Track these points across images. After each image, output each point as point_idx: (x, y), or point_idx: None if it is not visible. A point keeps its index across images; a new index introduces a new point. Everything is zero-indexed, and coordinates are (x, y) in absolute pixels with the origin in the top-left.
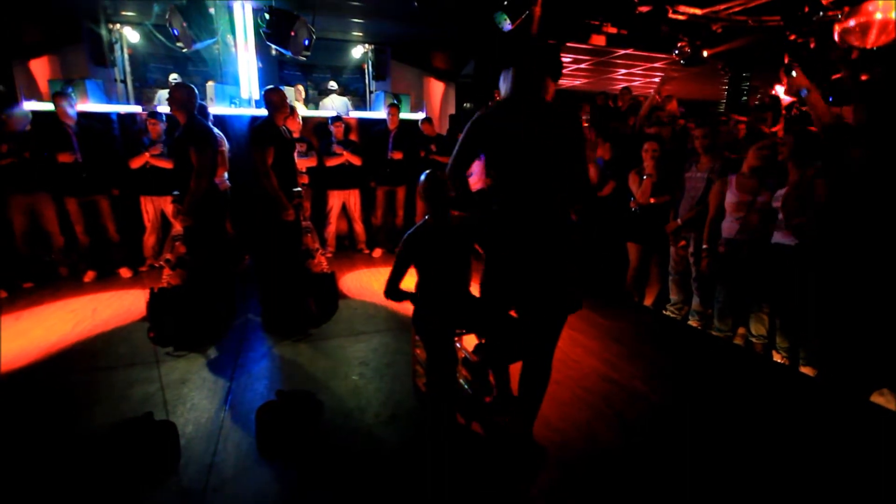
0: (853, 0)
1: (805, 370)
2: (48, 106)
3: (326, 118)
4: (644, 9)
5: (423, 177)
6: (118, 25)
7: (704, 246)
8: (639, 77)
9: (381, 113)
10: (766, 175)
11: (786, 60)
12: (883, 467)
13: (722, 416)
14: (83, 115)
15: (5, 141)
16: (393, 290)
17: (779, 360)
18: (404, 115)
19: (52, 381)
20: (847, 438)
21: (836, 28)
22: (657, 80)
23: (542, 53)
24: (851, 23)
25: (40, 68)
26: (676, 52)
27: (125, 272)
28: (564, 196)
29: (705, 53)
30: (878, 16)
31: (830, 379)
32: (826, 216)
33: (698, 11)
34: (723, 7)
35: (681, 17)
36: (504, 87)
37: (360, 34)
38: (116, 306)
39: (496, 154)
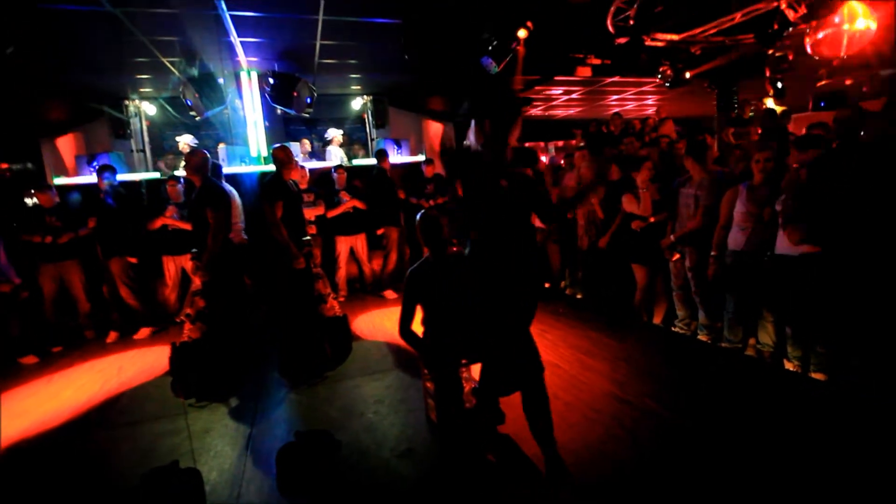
0: (818, 13)
1: (817, 376)
2: (75, 180)
3: (330, 168)
4: (622, 40)
5: (418, 217)
6: (136, 101)
7: (713, 253)
8: (630, 101)
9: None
10: (775, 186)
11: (767, 73)
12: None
13: (735, 428)
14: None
15: (49, 215)
16: (406, 331)
17: (790, 368)
18: (405, 159)
19: (82, 439)
20: (862, 441)
21: (807, 41)
22: (649, 102)
23: (503, 118)
24: (820, 35)
25: (66, 145)
26: (660, 76)
27: (145, 331)
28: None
29: (688, 75)
30: (846, 27)
31: (842, 383)
32: (809, 202)
33: (675, 37)
34: (699, 30)
35: (660, 44)
36: (471, 137)
37: (359, 87)
38: (141, 364)
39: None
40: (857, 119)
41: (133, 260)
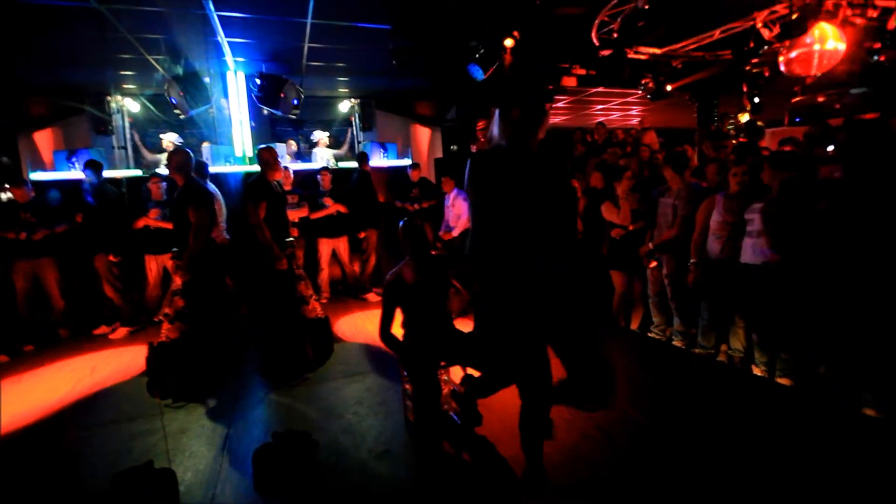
0: (791, 34)
1: (782, 381)
2: (53, 176)
3: (315, 170)
4: (605, 52)
5: (402, 224)
6: (119, 97)
7: (693, 260)
8: (615, 111)
9: (371, 162)
10: (750, 198)
11: (745, 89)
12: (864, 469)
13: (705, 431)
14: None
15: (24, 210)
16: (386, 335)
17: (758, 374)
18: (391, 163)
19: (53, 440)
20: (827, 444)
21: (781, 59)
22: (633, 112)
23: (533, 107)
24: (793, 54)
25: (44, 140)
26: (642, 88)
27: (122, 330)
28: (552, 239)
29: (669, 87)
30: (817, 47)
31: (807, 388)
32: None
33: (657, 51)
34: (679, 45)
35: (643, 57)
36: (494, 130)
37: (346, 90)
38: (116, 363)
39: (487, 200)
40: (825, 135)
41: (113, 258)
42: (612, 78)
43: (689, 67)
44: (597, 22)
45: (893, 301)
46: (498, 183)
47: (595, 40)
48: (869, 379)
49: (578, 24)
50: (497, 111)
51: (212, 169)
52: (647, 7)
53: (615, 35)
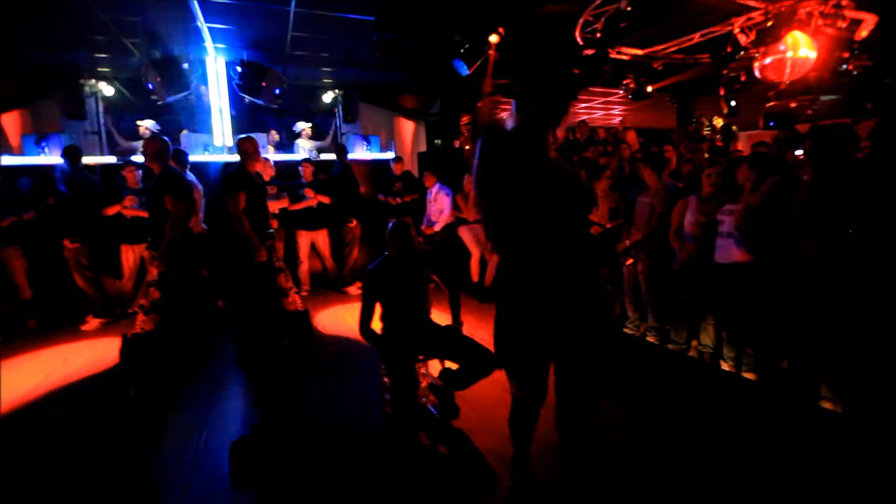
0: (766, 40)
1: (748, 375)
2: (20, 160)
3: (296, 161)
4: (588, 52)
5: (391, 224)
6: (92, 80)
7: (676, 247)
8: (598, 110)
9: (353, 154)
10: (722, 199)
11: (721, 92)
12: (822, 462)
13: (674, 423)
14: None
15: None
16: (366, 329)
17: (726, 368)
18: (374, 156)
19: (20, 433)
20: (789, 437)
21: (755, 65)
22: (615, 111)
23: (554, 98)
24: (767, 60)
25: (11, 122)
26: (623, 88)
27: (94, 322)
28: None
29: (650, 88)
30: (790, 54)
31: (771, 382)
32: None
33: (639, 52)
34: (660, 47)
35: (625, 58)
36: (509, 121)
37: (330, 80)
38: (89, 355)
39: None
40: (794, 139)
41: (68, 243)
42: (594, 77)
43: (669, 69)
44: (581, 21)
45: (858, 300)
46: (517, 173)
47: (579, 39)
48: (827, 375)
49: (563, 22)
50: (514, 101)
51: (191, 158)
52: (629, 9)
53: (598, 35)
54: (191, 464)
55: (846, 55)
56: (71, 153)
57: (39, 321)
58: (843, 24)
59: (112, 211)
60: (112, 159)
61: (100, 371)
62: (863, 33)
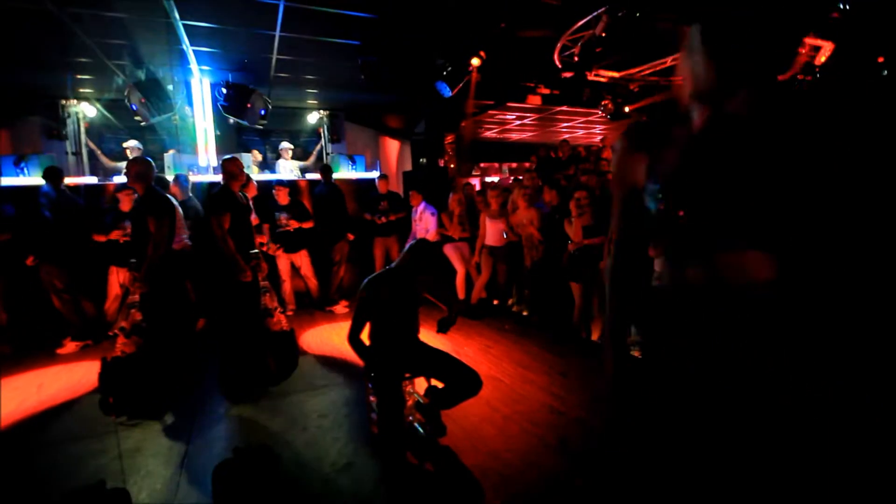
0: None
1: None
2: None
3: (272, 182)
4: (567, 74)
5: (417, 243)
6: (73, 101)
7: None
8: (580, 129)
9: (337, 174)
10: None
11: None
12: None
13: (659, 437)
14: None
15: None
16: (355, 339)
17: None
18: (361, 174)
19: None
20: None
21: None
22: (596, 130)
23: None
24: None
25: None
26: (602, 109)
27: (72, 345)
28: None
29: (627, 109)
30: None
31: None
32: None
33: (616, 74)
34: (636, 70)
35: (602, 80)
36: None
37: (315, 102)
38: (66, 380)
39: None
40: None
41: (33, 264)
42: (574, 98)
43: (645, 90)
44: (559, 45)
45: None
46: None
47: (557, 62)
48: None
49: (542, 46)
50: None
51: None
52: (604, 35)
53: (576, 59)
54: (174, 490)
55: (809, 78)
56: (52, 174)
57: (14, 346)
58: (803, 51)
59: (104, 238)
60: (94, 180)
61: (77, 396)
62: (822, 58)
